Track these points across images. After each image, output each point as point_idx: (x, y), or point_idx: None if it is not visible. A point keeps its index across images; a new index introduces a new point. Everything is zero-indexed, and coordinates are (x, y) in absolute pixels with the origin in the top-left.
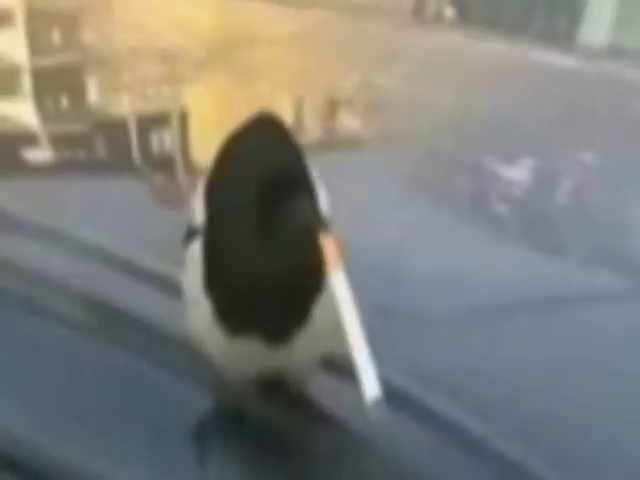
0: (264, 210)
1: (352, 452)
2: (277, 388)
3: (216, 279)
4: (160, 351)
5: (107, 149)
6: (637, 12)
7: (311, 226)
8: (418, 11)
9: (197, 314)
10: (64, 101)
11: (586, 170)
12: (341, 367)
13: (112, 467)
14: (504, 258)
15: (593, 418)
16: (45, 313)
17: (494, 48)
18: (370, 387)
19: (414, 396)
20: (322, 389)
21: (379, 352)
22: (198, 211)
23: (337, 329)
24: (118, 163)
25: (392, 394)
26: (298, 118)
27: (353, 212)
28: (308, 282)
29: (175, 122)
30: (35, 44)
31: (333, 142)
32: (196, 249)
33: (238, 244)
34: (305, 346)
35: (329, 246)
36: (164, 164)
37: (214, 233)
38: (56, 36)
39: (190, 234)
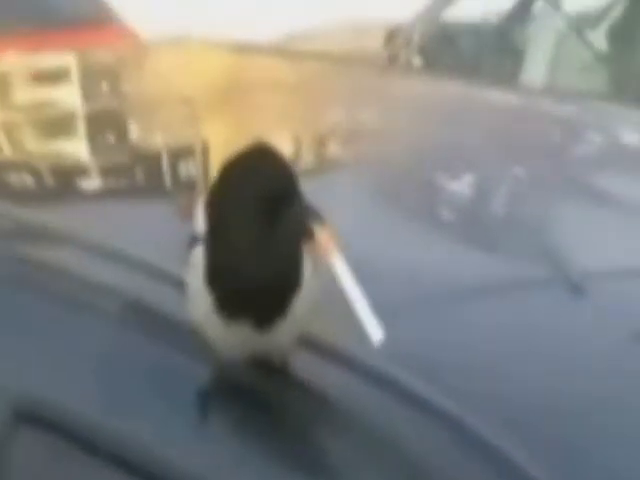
0: (258, 220)
1: (326, 413)
2: (264, 365)
3: (216, 276)
4: (178, 338)
5: (143, 176)
6: (569, 57)
7: (305, 221)
8: (392, 60)
9: (199, 305)
10: (109, 139)
11: (518, 185)
12: (318, 346)
13: (139, 422)
14: (447, 253)
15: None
16: (93, 311)
17: (451, 89)
18: (374, 332)
19: (384, 372)
20: (302, 365)
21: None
22: (199, 222)
23: (311, 314)
24: (152, 187)
25: (364, 370)
26: (296, 147)
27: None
28: (290, 280)
29: (196, 153)
30: (86, 94)
31: (323, 164)
32: (198, 252)
33: (235, 248)
34: (286, 330)
35: (324, 236)
36: (188, 187)
37: (215, 239)
38: (103, 86)
39: (192, 241)
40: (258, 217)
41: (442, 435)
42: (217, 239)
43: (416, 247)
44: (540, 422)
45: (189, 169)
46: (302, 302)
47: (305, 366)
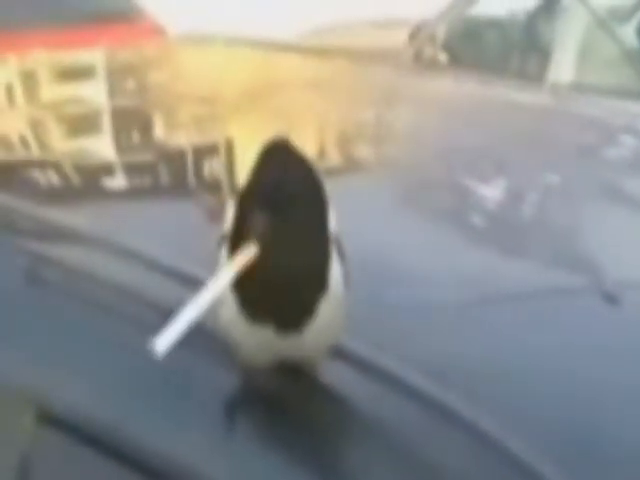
0: (278, 218)
1: (352, 422)
2: (293, 373)
3: (238, 277)
4: (204, 344)
5: (169, 175)
6: (597, 54)
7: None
8: (417, 56)
9: (225, 307)
10: (135, 137)
11: (547, 189)
12: (345, 354)
13: (163, 428)
14: (475, 259)
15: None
16: (117, 314)
17: (476, 89)
18: (166, 338)
19: (408, 380)
20: (329, 373)
21: (371, 338)
22: (227, 220)
23: (340, 322)
24: (178, 186)
25: (392, 380)
26: (320, 148)
27: (353, 222)
28: (316, 281)
29: (222, 151)
30: (112, 92)
31: (347, 166)
32: (223, 252)
33: (257, 250)
34: (312, 336)
35: (243, 256)
36: (214, 186)
37: (237, 238)
38: (128, 84)
39: (221, 241)
40: (277, 214)
41: (468, 448)
42: (239, 238)
43: (439, 251)
44: (571, 435)
45: (214, 168)
46: (329, 306)
47: (332, 375)
